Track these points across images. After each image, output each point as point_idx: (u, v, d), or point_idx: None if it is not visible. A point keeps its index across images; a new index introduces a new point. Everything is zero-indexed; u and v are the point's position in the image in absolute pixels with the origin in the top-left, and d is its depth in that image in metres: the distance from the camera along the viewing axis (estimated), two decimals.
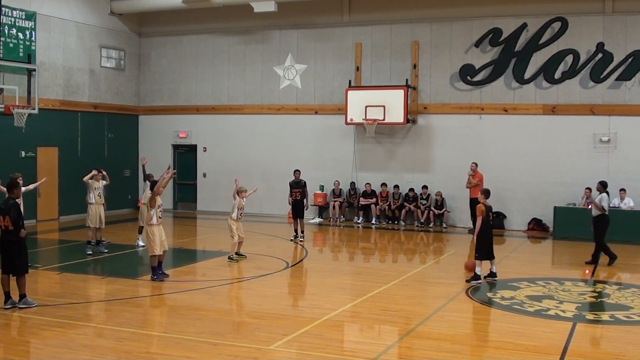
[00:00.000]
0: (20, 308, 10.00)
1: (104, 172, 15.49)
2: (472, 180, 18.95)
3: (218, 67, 23.87)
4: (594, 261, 14.62)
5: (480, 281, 12.23)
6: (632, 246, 17.20)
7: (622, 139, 18.97)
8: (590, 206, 15.39)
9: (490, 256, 12.47)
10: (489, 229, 12.52)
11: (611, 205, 18.15)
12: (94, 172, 15.07)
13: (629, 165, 18.80)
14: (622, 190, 18.35)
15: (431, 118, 21.04)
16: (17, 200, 10.36)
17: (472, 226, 19.41)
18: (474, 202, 19.11)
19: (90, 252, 14.84)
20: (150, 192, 15.54)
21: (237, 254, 14.43)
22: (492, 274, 12.47)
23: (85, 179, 15.01)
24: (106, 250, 15.20)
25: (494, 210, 13.51)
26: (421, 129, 21.15)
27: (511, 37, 20.04)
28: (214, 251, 15.97)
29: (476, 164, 19.20)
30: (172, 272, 12.75)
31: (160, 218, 12.28)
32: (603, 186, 14.83)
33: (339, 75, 22.05)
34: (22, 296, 10.11)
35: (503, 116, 20.21)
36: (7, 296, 10.08)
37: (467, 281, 12.21)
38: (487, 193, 12.74)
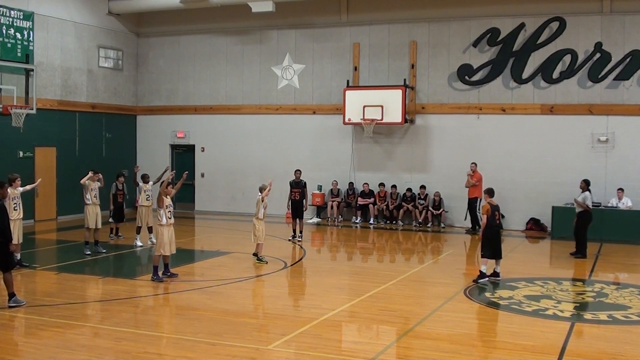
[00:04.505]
0: (10, 307, 9.99)
1: (100, 175, 15.43)
2: (470, 181, 18.99)
3: (216, 67, 23.85)
4: (581, 253, 15.29)
5: (486, 279, 12.24)
6: (630, 246, 17.22)
7: (620, 139, 18.96)
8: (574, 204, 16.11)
9: (495, 255, 12.47)
10: (494, 228, 12.50)
11: (609, 205, 18.28)
12: (90, 173, 15.05)
13: (627, 165, 18.81)
14: (620, 190, 18.35)
15: (429, 118, 21.03)
16: (3, 200, 10.32)
17: (468, 226, 19.52)
18: (472, 203, 19.22)
19: (89, 252, 14.82)
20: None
21: (255, 255, 14.34)
22: (495, 274, 12.47)
23: (82, 181, 14.97)
24: (104, 251, 15.18)
25: None
26: (419, 129, 21.14)
27: (509, 37, 20.04)
28: (212, 251, 15.97)
29: (476, 164, 19.21)
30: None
31: (169, 219, 12.24)
32: (586, 184, 15.58)
33: (337, 75, 22.05)
34: (11, 295, 10.10)
35: (501, 116, 20.21)
36: None
37: (474, 281, 12.22)
38: (491, 192, 12.68)
